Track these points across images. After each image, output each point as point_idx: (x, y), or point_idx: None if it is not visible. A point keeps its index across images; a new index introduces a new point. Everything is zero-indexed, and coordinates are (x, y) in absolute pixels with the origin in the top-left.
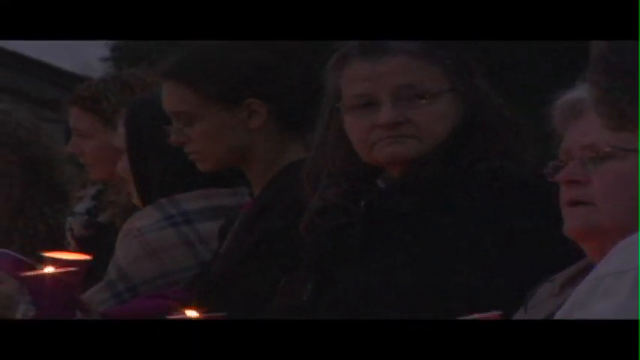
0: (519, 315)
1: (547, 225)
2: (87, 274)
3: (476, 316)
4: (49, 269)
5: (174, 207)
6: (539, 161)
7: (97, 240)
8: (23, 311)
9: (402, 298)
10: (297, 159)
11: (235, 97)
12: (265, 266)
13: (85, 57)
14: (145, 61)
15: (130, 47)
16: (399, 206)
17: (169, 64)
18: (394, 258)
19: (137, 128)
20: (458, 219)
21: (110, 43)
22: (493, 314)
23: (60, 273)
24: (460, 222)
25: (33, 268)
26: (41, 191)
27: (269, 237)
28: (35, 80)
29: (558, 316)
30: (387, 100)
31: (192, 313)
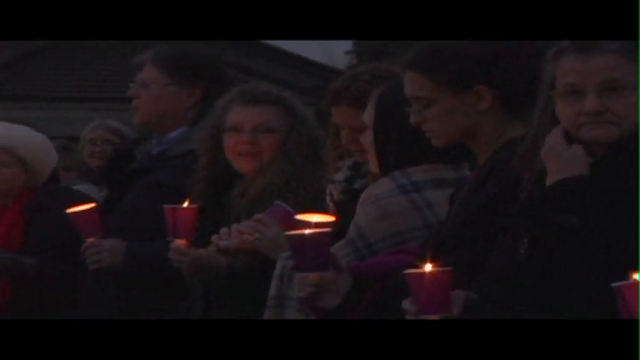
0: None
1: None
2: (339, 234)
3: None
4: (308, 229)
5: (406, 178)
6: None
7: (352, 205)
8: (283, 263)
9: (601, 254)
10: (517, 135)
11: (465, 84)
12: (485, 227)
13: (331, 50)
14: (384, 53)
15: (368, 43)
16: (603, 177)
17: (410, 57)
18: (592, 219)
19: (384, 110)
20: None
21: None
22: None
23: (316, 232)
24: None
25: (298, 224)
26: (309, 162)
27: (489, 202)
28: (290, 70)
29: None
30: (592, 90)
31: (427, 267)
